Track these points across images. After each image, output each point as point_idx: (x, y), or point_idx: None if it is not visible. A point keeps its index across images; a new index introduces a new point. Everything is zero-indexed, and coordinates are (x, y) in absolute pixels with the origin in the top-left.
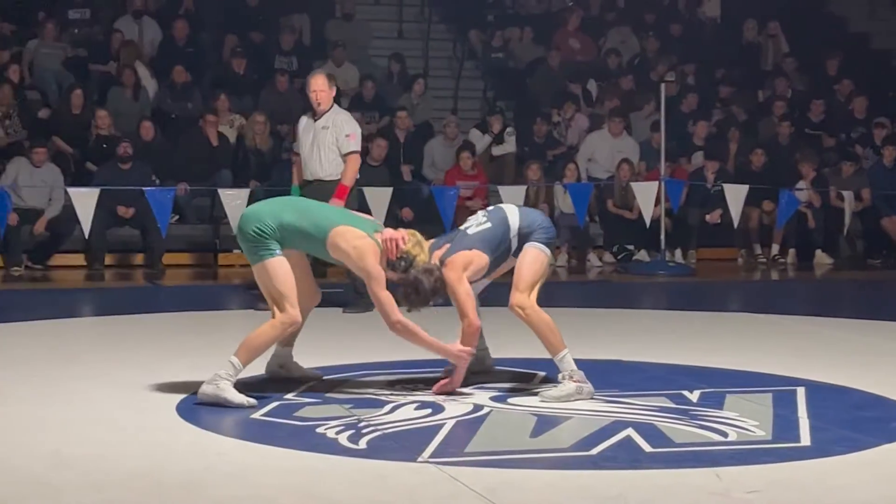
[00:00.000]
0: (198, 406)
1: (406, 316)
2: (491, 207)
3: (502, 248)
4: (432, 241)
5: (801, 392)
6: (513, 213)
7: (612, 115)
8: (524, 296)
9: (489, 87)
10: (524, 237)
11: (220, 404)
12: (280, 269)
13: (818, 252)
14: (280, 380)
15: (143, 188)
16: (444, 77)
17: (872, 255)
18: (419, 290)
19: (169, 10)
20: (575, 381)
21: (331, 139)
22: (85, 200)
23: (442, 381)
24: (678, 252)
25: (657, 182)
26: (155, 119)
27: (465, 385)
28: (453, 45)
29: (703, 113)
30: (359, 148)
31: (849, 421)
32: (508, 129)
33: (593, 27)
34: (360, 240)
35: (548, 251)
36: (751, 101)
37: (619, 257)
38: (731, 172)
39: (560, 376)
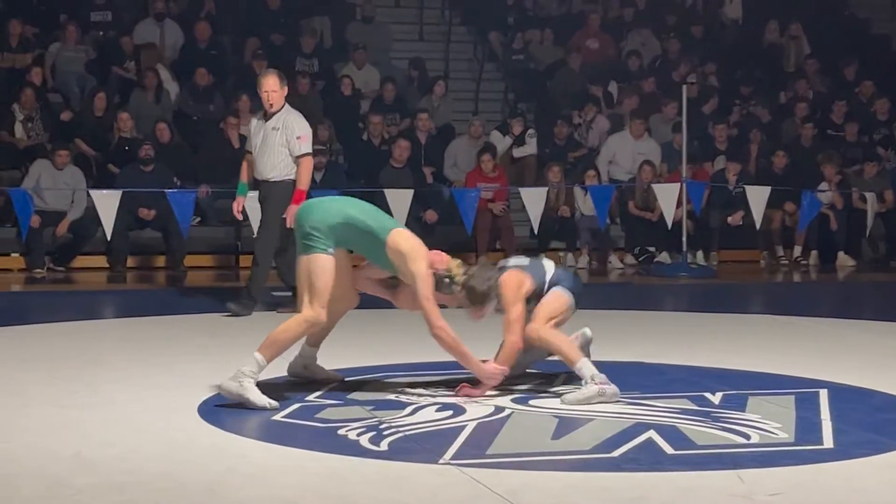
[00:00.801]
0: (219, 408)
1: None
2: (533, 258)
3: (537, 285)
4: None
5: (823, 394)
6: (550, 267)
7: (633, 116)
8: (538, 323)
9: (510, 90)
10: (553, 285)
11: (242, 405)
12: (326, 268)
13: (840, 254)
14: (302, 381)
15: (165, 190)
16: (465, 79)
17: (895, 256)
18: (475, 292)
19: (191, 13)
20: (597, 384)
21: (280, 140)
22: (107, 202)
23: (467, 388)
24: (700, 254)
25: (679, 184)
26: (177, 121)
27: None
28: (474, 48)
29: (725, 115)
30: (311, 150)
31: (871, 423)
32: (529, 131)
33: (614, 29)
34: (419, 245)
35: (571, 296)
36: (773, 103)
37: (640, 259)
38: (753, 174)
39: (583, 382)
